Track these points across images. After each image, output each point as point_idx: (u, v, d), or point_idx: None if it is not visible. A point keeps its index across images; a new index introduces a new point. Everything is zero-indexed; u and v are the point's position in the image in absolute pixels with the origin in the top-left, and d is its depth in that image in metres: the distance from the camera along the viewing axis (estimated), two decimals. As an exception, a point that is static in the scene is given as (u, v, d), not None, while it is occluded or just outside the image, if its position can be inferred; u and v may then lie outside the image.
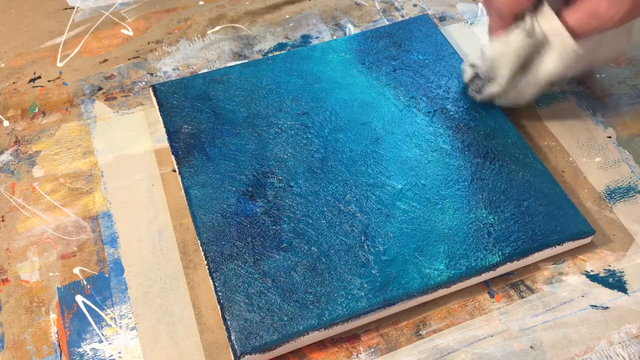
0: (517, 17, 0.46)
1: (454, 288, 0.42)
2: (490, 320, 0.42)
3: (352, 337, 0.41)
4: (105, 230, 0.46)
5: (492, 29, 0.48)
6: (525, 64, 0.47)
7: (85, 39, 0.60)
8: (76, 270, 0.44)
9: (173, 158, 0.48)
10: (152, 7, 0.63)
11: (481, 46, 0.49)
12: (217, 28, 0.61)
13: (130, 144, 0.51)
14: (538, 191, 0.46)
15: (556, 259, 0.45)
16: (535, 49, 0.46)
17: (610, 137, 0.51)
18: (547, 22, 0.45)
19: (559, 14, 0.45)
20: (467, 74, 0.51)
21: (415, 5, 0.63)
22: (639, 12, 0.43)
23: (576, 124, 0.52)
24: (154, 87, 0.52)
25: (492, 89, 0.49)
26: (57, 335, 0.41)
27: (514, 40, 0.46)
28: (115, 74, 0.57)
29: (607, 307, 0.42)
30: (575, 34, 0.44)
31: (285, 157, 0.48)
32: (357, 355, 0.40)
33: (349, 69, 0.54)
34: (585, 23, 0.44)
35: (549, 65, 0.46)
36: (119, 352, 0.40)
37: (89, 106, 0.54)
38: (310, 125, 0.50)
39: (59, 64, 0.58)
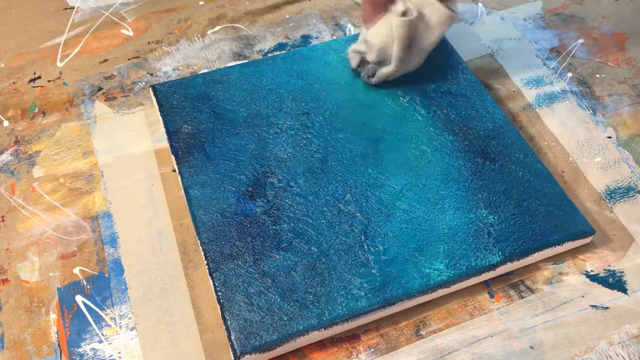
0: (388, 2, 0.50)
1: (454, 288, 0.42)
2: (490, 320, 0.42)
3: (352, 337, 0.41)
4: (105, 230, 0.46)
5: (367, 17, 0.51)
6: (411, 41, 0.51)
7: (85, 39, 0.60)
8: (76, 270, 0.44)
9: (173, 158, 0.48)
10: (152, 7, 0.63)
11: (362, 34, 0.52)
12: (217, 28, 0.61)
13: (130, 144, 0.51)
14: (538, 191, 0.46)
15: (556, 259, 0.45)
16: (416, 25, 0.50)
17: (610, 137, 0.51)
18: None
19: None
20: (354, 60, 0.53)
21: (415, 5, 0.63)
22: None
23: (576, 124, 0.52)
24: (154, 87, 0.52)
25: (386, 71, 0.52)
26: (57, 335, 0.41)
27: (396, 24, 0.49)
28: (115, 74, 0.57)
29: (607, 307, 0.42)
30: None
31: (285, 157, 0.48)
32: (357, 355, 0.40)
33: (349, 69, 0.54)
34: None
35: (431, 34, 0.51)
36: (119, 352, 0.40)
37: (89, 106, 0.54)
38: (310, 125, 0.50)
39: (59, 64, 0.58)
